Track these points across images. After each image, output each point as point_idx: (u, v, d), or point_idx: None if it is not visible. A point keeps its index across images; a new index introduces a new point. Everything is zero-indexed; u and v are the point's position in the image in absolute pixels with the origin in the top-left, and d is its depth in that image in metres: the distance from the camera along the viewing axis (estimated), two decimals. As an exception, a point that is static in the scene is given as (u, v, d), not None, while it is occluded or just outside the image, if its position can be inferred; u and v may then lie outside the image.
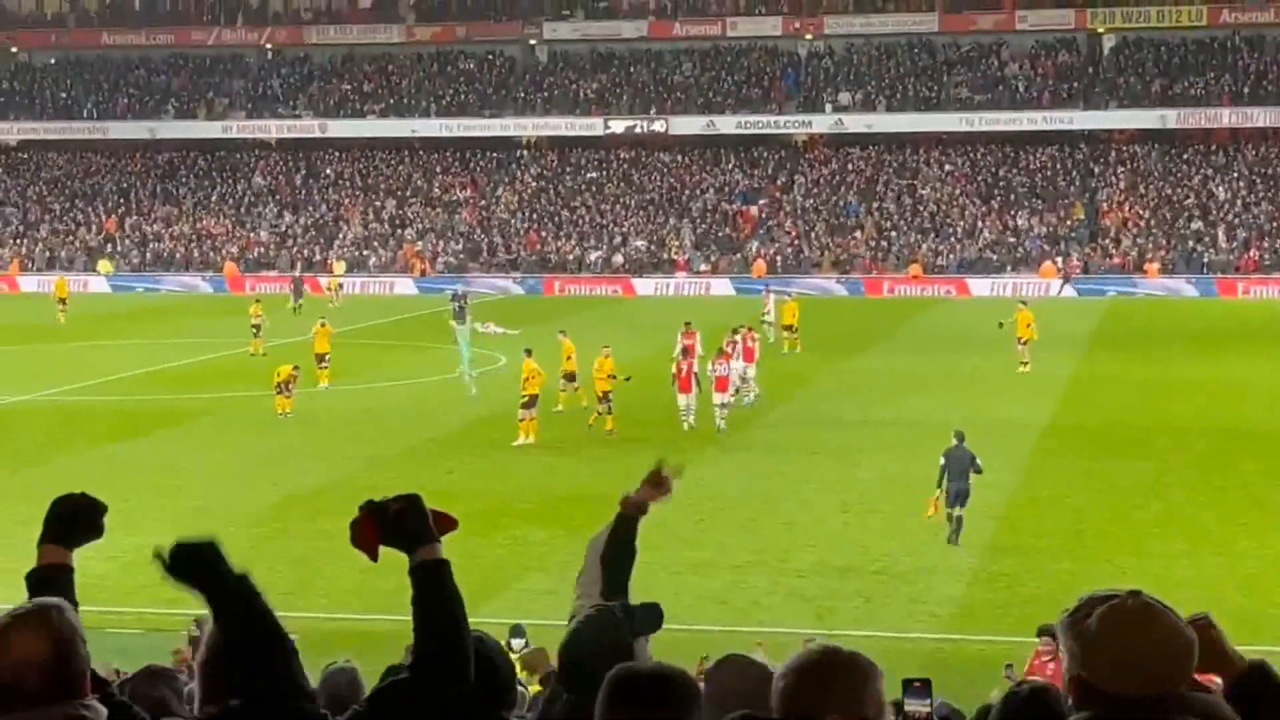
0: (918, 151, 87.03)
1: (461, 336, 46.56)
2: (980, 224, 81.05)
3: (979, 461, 26.98)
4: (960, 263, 78.37)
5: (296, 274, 72.98)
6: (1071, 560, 25.39)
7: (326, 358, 43.82)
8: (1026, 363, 46.10)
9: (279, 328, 53.99)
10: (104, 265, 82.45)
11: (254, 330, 51.60)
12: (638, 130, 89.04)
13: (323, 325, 45.09)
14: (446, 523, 4.43)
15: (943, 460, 26.99)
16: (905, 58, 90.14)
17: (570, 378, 39.20)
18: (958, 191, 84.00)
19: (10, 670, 3.90)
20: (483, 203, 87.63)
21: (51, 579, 4.17)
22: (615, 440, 35.88)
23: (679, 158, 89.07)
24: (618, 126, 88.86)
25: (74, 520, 4.28)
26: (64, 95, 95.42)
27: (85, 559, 18.17)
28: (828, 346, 50.58)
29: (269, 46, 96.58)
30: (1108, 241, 78.84)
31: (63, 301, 64.61)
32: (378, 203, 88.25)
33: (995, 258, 78.44)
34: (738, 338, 40.65)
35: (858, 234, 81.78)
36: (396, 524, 4.25)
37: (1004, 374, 45.25)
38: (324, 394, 42.18)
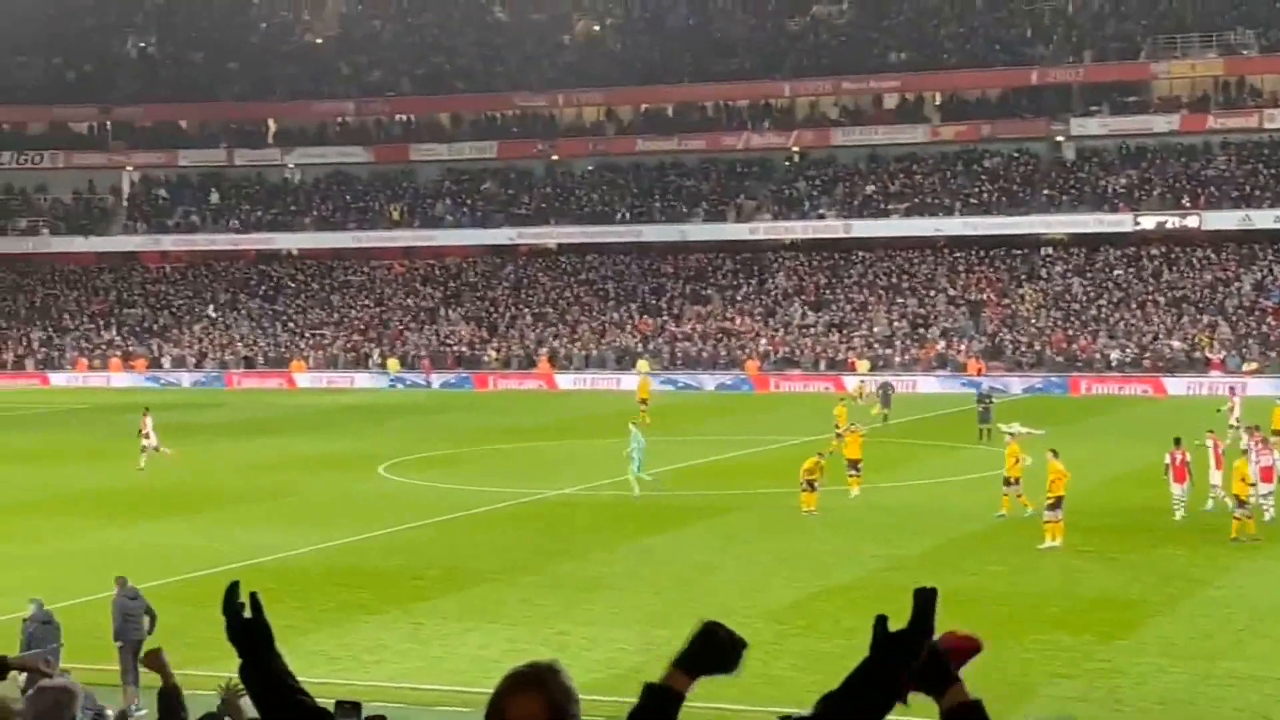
0: None
1: (635, 441, 45.24)
2: None
3: None
4: None
5: (884, 380, 70.21)
6: None
7: (859, 464, 42.42)
8: None
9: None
10: (642, 364, 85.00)
11: (837, 430, 50.75)
12: (1169, 226, 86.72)
13: (854, 430, 44.58)
14: (967, 650, 4.23)
15: None
16: None
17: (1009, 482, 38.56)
18: None
19: None
20: (1006, 301, 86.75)
21: (668, 701, 4.13)
22: (1137, 541, 34.79)
23: (1212, 254, 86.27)
24: (1148, 222, 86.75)
25: (715, 653, 4.18)
26: (599, 200, 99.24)
27: (618, 649, 18.74)
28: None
29: (795, 149, 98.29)
30: None
31: (644, 401, 65.04)
32: (900, 301, 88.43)
33: None
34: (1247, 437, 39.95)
35: None
36: (917, 674, 4.14)
37: None
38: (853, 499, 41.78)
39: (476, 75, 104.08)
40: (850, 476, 41.96)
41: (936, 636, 4.16)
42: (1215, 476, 38.93)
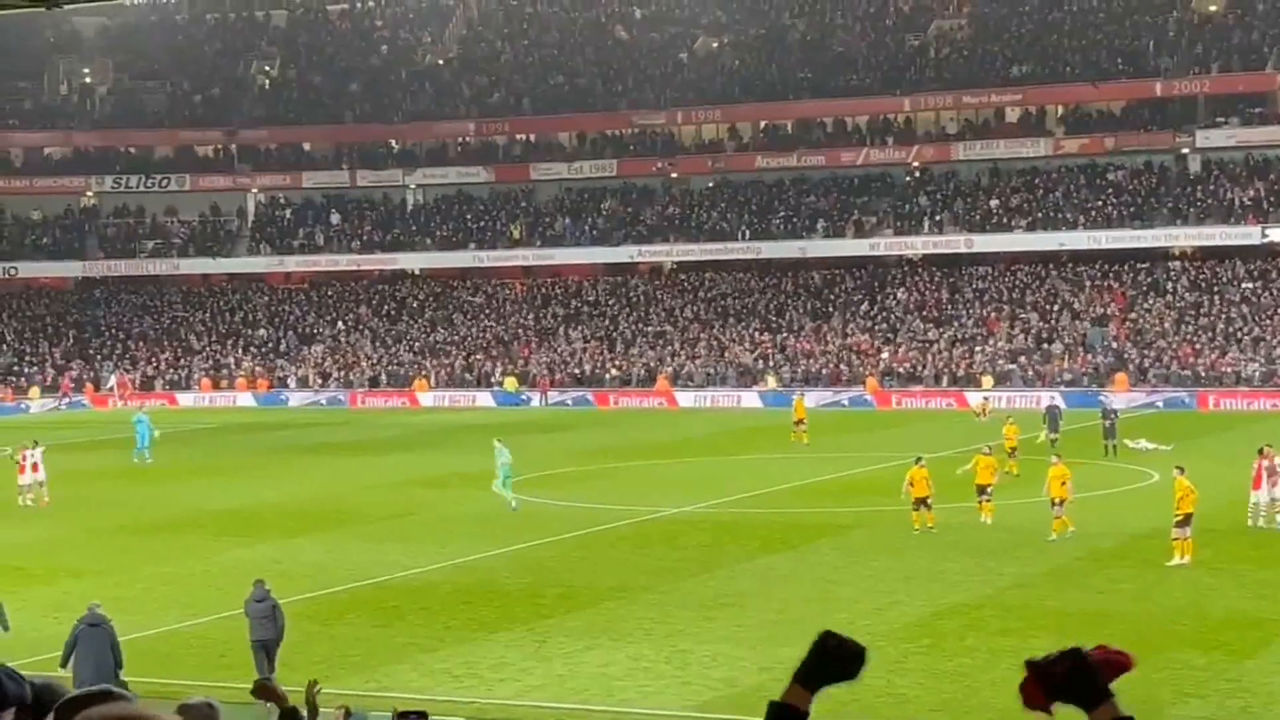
0: None
1: (501, 456, 45.13)
2: None
3: None
4: None
5: (1052, 402, 67.82)
6: None
7: (989, 490, 40.64)
8: None
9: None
10: (771, 380, 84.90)
11: (1010, 451, 50.45)
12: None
13: (986, 453, 42.23)
14: (1117, 666, 4.17)
15: None
16: None
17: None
18: None
19: None
20: (1131, 315, 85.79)
21: (791, 718, 4.10)
22: (1266, 559, 34.28)
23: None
24: (1276, 235, 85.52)
25: (835, 663, 4.14)
26: (719, 217, 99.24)
27: (739, 666, 18.70)
28: None
29: (916, 164, 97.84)
30: None
31: (800, 422, 63.33)
32: (1023, 316, 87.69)
33: None
34: None
35: None
36: (1064, 685, 4.08)
37: None
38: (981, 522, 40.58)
39: (596, 94, 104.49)
40: (982, 503, 40.41)
41: (1089, 649, 4.12)
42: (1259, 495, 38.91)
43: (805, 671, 4.10)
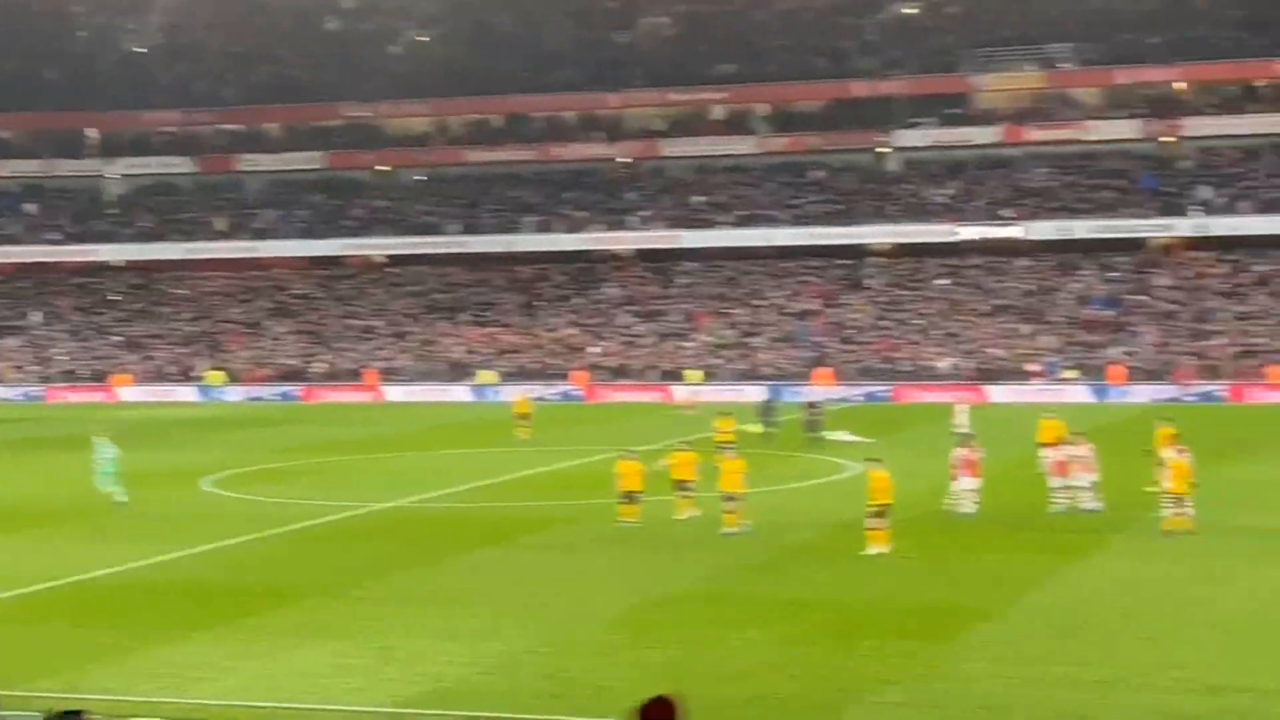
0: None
1: (104, 451, 45.56)
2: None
3: None
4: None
5: (769, 396, 67.69)
6: None
7: (689, 485, 40.10)
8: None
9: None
10: (485, 376, 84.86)
11: (723, 445, 49.75)
12: (990, 236, 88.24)
13: (683, 448, 41.70)
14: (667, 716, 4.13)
15: None
16: (1269, 158, 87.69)
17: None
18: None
19: None
20: (833, 310, 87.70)
21: None
22: (971, 549, 35.34)
23: (1033, 263, 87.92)
24: (970, 233, 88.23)
25: None
26: (429, 211, 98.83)
27: (445, 662, 18.67)
28: (1198, 454, 48.88)
29: (625, 160, 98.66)
30: None
31: (524, 417, 62.75)
32: (730, 311, 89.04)
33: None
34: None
35: (1220, 339, 79.43)
36: None
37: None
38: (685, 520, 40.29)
39: (304, 86, 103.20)
40: (681, 497, 39.94)
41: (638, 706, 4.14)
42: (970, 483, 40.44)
43: None
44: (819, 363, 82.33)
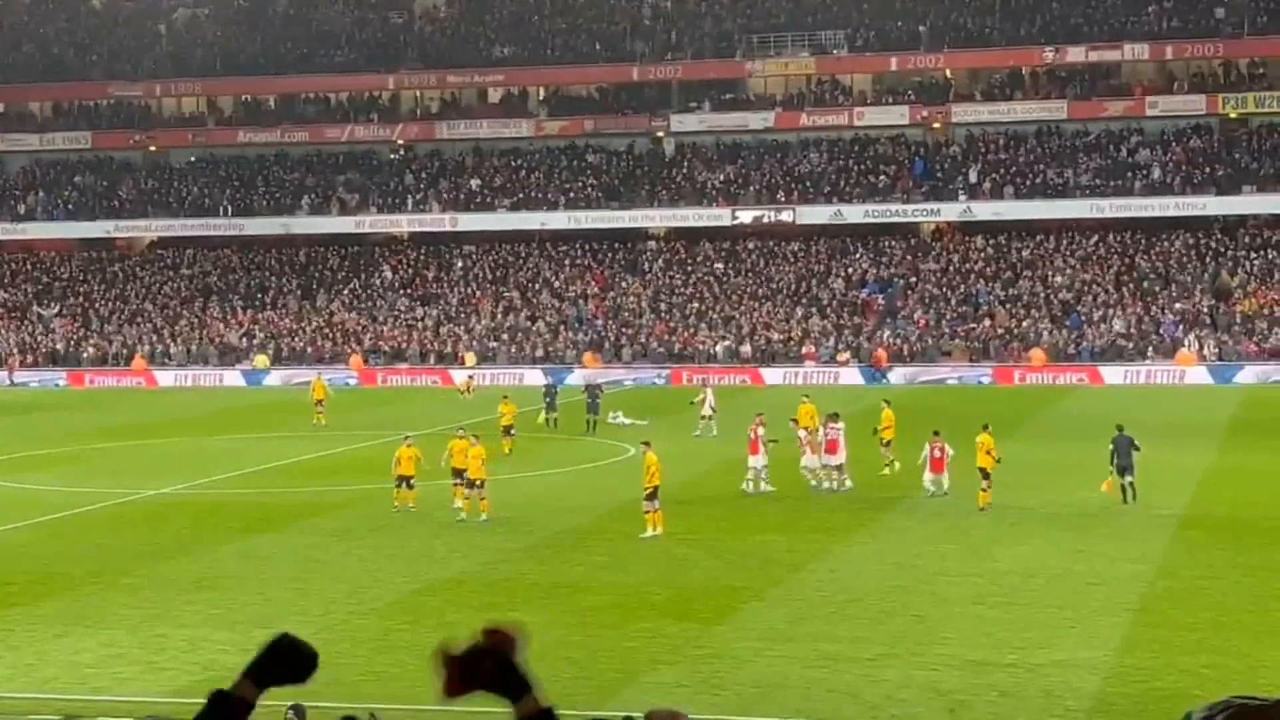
0: (1047, 239, 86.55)
1: None
2: (1112, 311, 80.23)
3: (1137, 442, 38.16)
4: (1093, 350, 77.54)
5: (550, 381, 66.26)
6: (1210, 654, 24.91)
7: (465, 474, 38.50)
8: (892, 461, 43.75)
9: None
10: (261, 360, 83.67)
11: (505, 429, 50.50)
12: (765, 220, 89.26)
13: (462, 437, 39.96)
14: (510, 644, 4.08)
15: (1111, 445, 38.28)
16: (1034, 145, 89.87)
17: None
18: (1089, 278, 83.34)
19: None
20: (610, 294, 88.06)
21: (232, 710, 4.09)
22: (745, 530, 35.79)
23: (807, 247, 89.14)
24: (745, 216, 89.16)
25: (285, 665, 4.12)
26: (201, 193, 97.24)
27: (218, 650, 18.41)
28: (961, 435, 50.10)
29: (401, 142, 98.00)
30: (1243, 328, 77.78)
31: (320, 402, 61.55)
32: (507, 294, 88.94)
33: (1130, 345, 77.56)
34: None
35: (987, 322, 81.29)
36: (486, 677, 4.05)
37: (1141, 464, 44.42)
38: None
39: (69, 64, 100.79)
40: (458, 485, 38.84)
41: (479, 637, 4.07)
42: (833, 460, 41.44)
43: (256, 668, 4.09)
44: (596, 346, 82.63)
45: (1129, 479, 37.81)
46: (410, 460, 39.34)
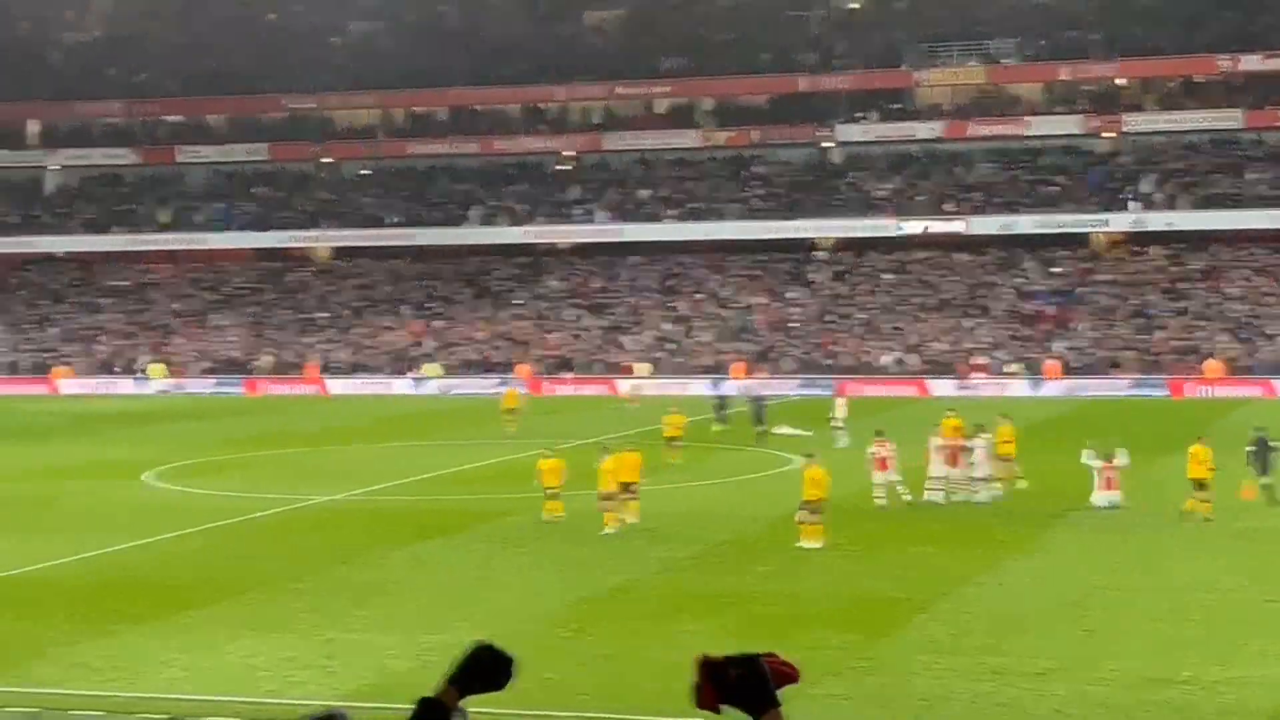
0: (1222, 249, 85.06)
1: None
2: (1290, 323, 78.67)
3: (1273, 442, 38.84)
4: (1271, 364, 76.02)
5: (719, 391, 67.58)
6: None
7: (634, 487, 38.44)
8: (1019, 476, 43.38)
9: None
10: (430, 368, 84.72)
11: (670, 440, 50.54)
12: (933, 231, 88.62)
13: (629, 452, 39.95)
14: (785, 676, 4.27)
15: (1251, 448, 38.93)
16: (1208, 154, 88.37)
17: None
18: (1264, 290, 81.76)
19: None
20: (776, 305, 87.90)
21: (440, 715, 4.26)
22: (908, 542, 35.54)
23: (976, 258, 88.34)
24: (913, 227, 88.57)
25: (485, 672, 4.31)
26: (373, 203, 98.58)
27: (389, 655, 18.68)
28: (1135, 448, 49.34)
29: (569, 153, 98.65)
30: None
31: (512, 411, 61.70)
32: (673, 304, 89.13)
33: (1306, 358, 76.03)
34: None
35: (1160, 333, 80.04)
36: (736, 689, 4.16)
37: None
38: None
39: (247, 77, 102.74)
40: (626, 500, 38.25)
41: (763, 656, 4.20)
42: (937, 469, 41.28)
43: (458, 676, 4.27)
44: (762, 357, 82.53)
45: (1266, 479, 38.63)
46: (552, 472, 39.31)
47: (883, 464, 40.49)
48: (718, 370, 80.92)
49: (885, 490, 40.35)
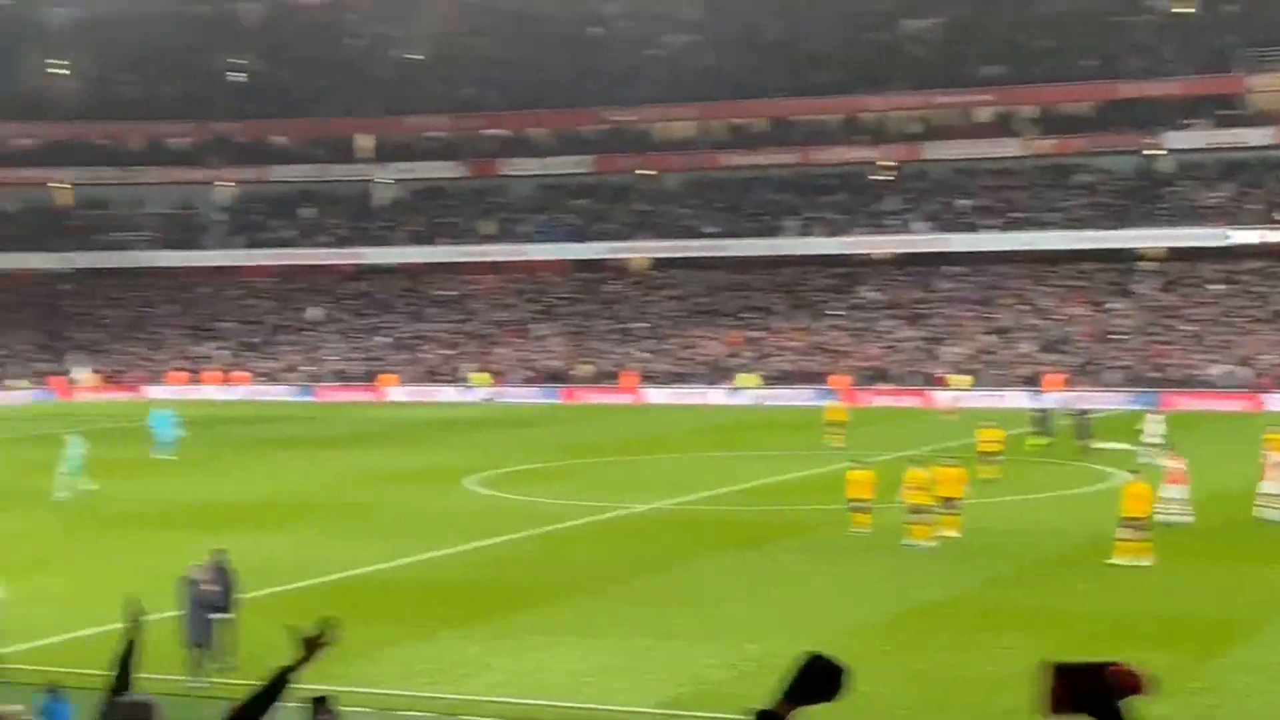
0: None
1: (74, 448, 47.25)
2: None
3: None
4: None
5: (1041, 405, 66.23)
6: None
7: (957, 502, 38.19)
8: None
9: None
10: (745, 379, 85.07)
11: (987, 455, 49.43)
12: (1266, 240, 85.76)
13: (954, 465, 39.59)
14: (1132, 686, 4.10)
15: None
16: None
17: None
18: None
19: None
20: (1099, 316, 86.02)
21: None
22: (1227, 558, 34.40)
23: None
24: (1244, 237, 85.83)
25: (819, 683, 4.29)
26: (691, 214, 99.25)
27: (706, 664, 18.65)
28: None
29: (887, 163, 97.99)
30: None
31: (838, 424, 60.95)
32: (992, 315, 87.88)
33: None
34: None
35: None
36: (1086, 697, 4.02)
37: None
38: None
39: (569, 90, 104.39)
40: (945, 515, 37.73)
41: (1111, 665, 4.09)
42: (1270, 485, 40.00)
43: (791, 689, 4.22)
44: (1081, 369, 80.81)
45: None
46: (861, 484, 38.96)
47: (1175, 478, 39.19)
48: (1036, 382, 79.47)
49: (1179, 506, 39.02)
